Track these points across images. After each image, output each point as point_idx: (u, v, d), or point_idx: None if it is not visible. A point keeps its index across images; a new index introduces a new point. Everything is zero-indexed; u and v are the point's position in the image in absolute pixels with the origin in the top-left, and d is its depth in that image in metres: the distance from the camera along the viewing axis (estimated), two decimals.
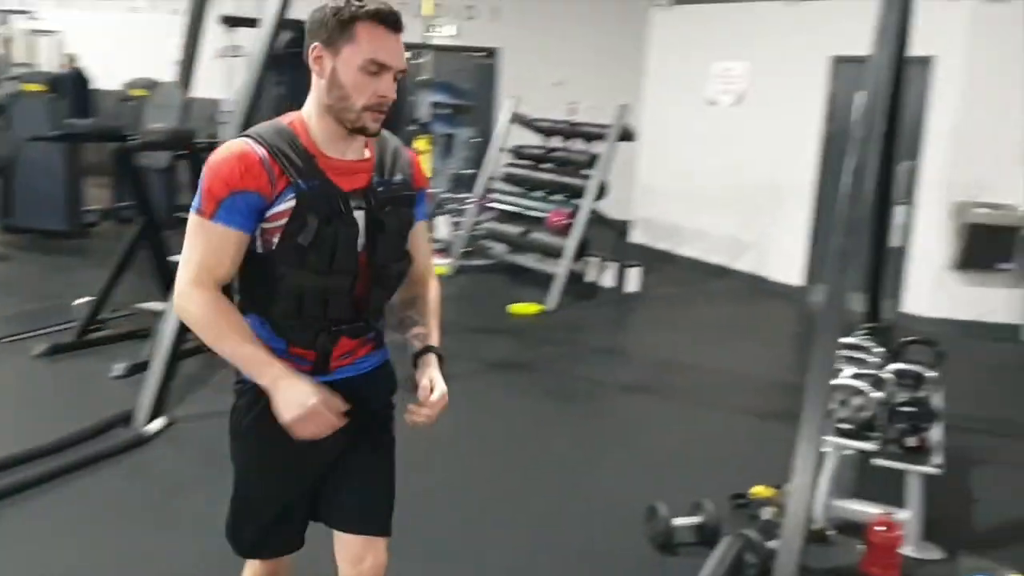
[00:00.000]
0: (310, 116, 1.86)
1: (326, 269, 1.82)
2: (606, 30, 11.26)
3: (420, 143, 8.10)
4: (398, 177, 1.94)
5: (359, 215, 1.86)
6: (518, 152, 8.78)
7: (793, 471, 3.40)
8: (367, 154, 1.91)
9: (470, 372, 5.57)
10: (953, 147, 7.14)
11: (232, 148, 1.80)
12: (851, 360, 4.08)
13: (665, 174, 9.61)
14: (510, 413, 5.06)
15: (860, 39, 7.68)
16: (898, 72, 4.13)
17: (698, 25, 9.17)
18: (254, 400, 1.89)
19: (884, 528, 3.40)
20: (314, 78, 1.83)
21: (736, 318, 7.75)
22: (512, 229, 8.31)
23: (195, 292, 1.80)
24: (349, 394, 1.88)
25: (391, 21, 1.79)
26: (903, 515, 3.52)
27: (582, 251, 7.52)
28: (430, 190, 2.08)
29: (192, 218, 1.81)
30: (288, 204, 1.78)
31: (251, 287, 1.88)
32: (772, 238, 8.58)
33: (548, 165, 8.38)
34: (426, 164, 6.10)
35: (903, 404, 3.72)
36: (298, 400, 1.77)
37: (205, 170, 1.79)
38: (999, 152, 6.96)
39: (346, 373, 1.96)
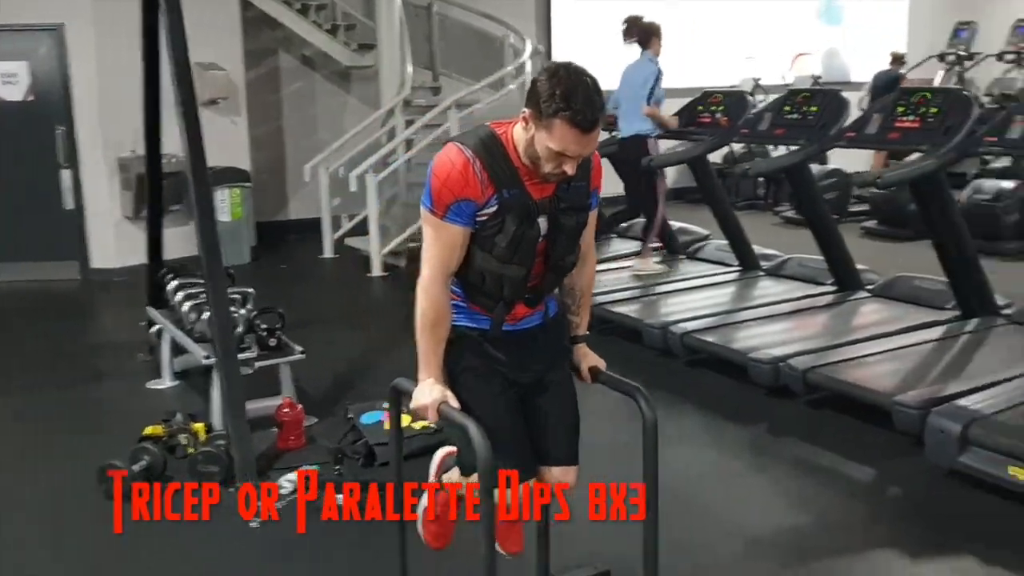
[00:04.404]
0: (519, 140, 2.19)
1: (507, 260, 2.24)
2: None
3: None
4: (581, 183, 2.29)
5: (542, 220, 2.25)
6: None
7: (219, 401, 3.97)
8: None
9: None
10: (102, 108, 7.70)
11: (455, 160, 2.17)
12: (190, 295, 4.65)
13: None
14: None
15: None
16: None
17: None
18: (460, 340, 2.35)
19: (288, 410, 4.20)
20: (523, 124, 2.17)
21: None
22: None
23: (432, 288, 2.26)
24: (520, 342, 2.38)
25: (585, 126, 2.07)
26: (288, 397, 4.36)
27: None
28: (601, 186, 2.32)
29: (427, 215, 2.23)
30: (492, 208, 2.20)
31: None
32: None
33: None
34: None
35: (256, 316, 4.50)
36: (420, 396, 2.31)
37: (433, 175, 2.18)
38: None
39: (515, 327, 2.39)
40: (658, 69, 6.34)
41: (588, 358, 2.56)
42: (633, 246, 7.14)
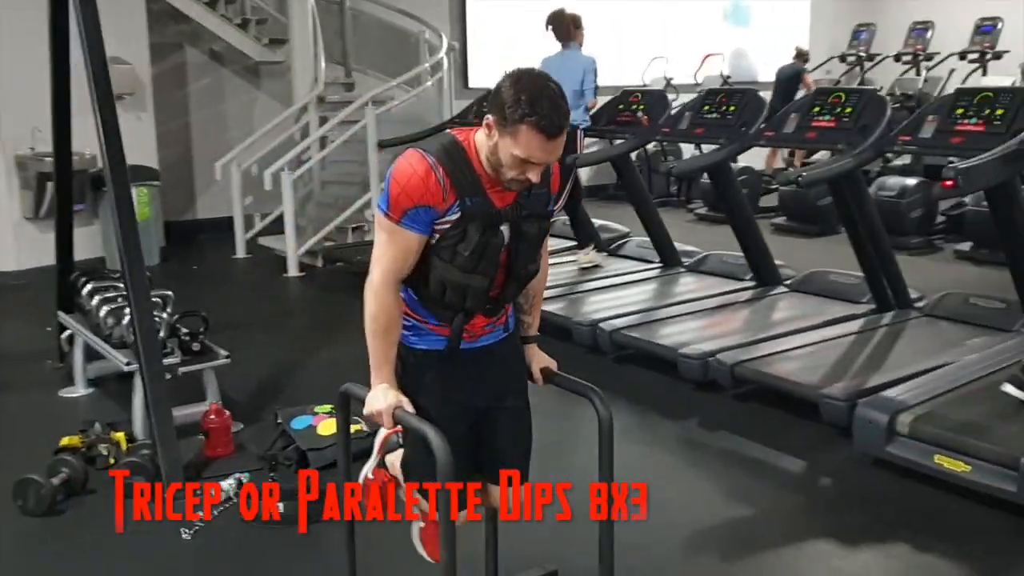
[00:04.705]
0: (481, 147, 2.13)
1: (471, 270, 2.18)
2: None
3: None
4: (542, 190, 2.24)
5: (505, 228, 2.20)
6: None
7: (142, 408, 3.81)
8: None
9: None
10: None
11: (416, 166, 2.10)
12: (107, 299, 4.45)
13: None
14: None
15: None
16: None
17: None
18: (418, 363, 2.32)
19: (215, 417, 4.06)
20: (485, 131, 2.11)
21: None
22: None
23: (382, 292, 2.19)
24: (477, 359, 2.33)
25: (551, 132, 2.03)
26: (214, 403, 4.21)
27: None
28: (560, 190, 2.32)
29: (382, 219, 2.15)
30: (454, 216, 2.14)
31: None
32: None
33: None
34: None
35: (178, 320, 4.34)
36: (374, 402, 2.26)
37: (392, 180, 2.11)
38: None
39: (473, 344, 2.33)
40: (594, 59, 6.36)
41: (539, 358, 2.54)
42: (555, 243, 7.14)
